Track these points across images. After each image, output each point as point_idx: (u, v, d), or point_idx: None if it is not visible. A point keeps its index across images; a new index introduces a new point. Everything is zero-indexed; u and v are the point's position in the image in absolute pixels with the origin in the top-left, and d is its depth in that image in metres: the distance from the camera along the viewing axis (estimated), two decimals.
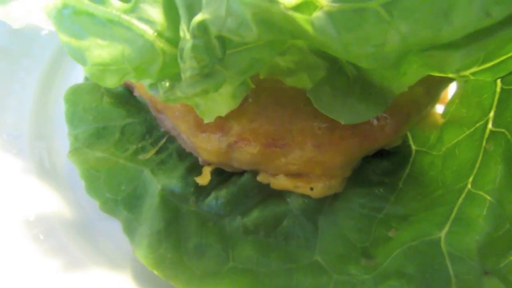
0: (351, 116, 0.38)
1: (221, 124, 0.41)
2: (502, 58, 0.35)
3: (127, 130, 0.49)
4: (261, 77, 0.39)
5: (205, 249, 0.41)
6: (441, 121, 0.47)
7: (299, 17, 0.29)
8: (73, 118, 0.49)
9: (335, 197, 0.44)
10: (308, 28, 0.29)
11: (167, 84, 0.37)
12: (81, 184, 0.45)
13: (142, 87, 0.46)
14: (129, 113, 0.50)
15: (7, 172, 0.45)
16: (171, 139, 0.49)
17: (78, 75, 0.56)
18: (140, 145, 0.48)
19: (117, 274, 0.40)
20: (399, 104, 0.41)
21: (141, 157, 0.47)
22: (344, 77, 0.39)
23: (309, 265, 0.41)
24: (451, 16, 0.28)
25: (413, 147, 0.48)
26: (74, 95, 0.51)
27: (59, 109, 0.52)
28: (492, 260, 0.34)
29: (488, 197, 0.36)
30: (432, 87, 0.42)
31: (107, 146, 0.48)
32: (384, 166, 0.47)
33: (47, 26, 0.53)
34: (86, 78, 0.55)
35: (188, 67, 0.35)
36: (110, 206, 0.44)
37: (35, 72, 0.54)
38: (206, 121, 0.39)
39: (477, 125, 0.41)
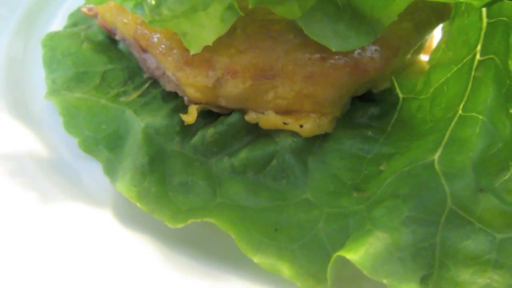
0: (341, 43, 0.37)
1: (208, 57, 0.40)
2: None
3: (108, 76, 0.47)
4: (250, 6, 0.38)
5: (191, 186, 0.39)
6: (427, 67, 0.47)
7: None
8: (51, 62, 0.47)
9: (324, 138, 0.43)
10: None
11: (153, 1, 0.35)
12: (57, 126, 0.43)
13: (125, 27, 0.44)
14: (110, 60, 0.48)
15: None
16: (154, 84, 0.47)
17: (55, 27, 0.54)
18: (122, 90, 0.46)
19: (97, 210, 0.38)
20: (389, 37, 0.41)
21: (123, 99, 0.45)
22: (334, 5, 0.38)
23: (300, 202, 0.39)
24: None
25: (400, 95, 0.47)
26: (52, 41, 0.49)
27: (35, 56, 0.49)
28: (486, 179, 0.34)
29: (480, 116, 0.35)
30: (420, 25, 0.43)
31: (87, 89, 0.45)
32: (372, 112, 0.46)
33: None
34: (67, 26, 0.53)
35: None
36: (89, 145, 0.41)
37: (10, 21, 0.52)
38: (193, 51, 0.38)
39: (465, 60, 0.41)
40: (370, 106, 0.46)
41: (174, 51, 0.41)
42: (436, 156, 0.36)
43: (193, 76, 0.41)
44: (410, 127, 0.44)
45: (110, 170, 0.41)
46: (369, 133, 0.44)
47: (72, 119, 0.42)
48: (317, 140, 0.43)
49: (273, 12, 0.40)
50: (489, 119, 0.35)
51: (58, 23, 0.55)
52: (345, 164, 0.42)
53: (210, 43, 0.38)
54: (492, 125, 0.34)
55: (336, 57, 0.39)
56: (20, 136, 0.42)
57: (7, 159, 0.39)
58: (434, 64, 0.46)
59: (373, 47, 0.40)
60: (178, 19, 0.36)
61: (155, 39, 0.41)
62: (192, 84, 0.41)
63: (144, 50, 0.43)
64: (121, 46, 0.51)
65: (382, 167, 0.40)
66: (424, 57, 0.50)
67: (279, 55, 0.39)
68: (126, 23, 0.44)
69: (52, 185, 0.38)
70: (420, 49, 0.48)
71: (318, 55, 0.39)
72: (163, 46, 0.41)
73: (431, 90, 0.44)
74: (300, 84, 0.39)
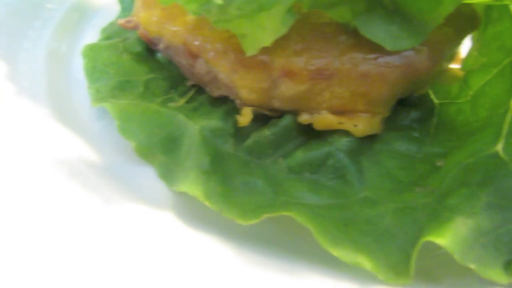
0: (395, 43, 0.39)
1: (264, 59, 0.41)
2: None
3: (151, 84, 0.47)
4: (304, 10, 0.40)
5: (253, 185, 0.38)
6: (460, 73, 0.49)
7: None
8: (93, 72, 0.47)
9: (373, 139, 0.44)
10: None
11: (220, 1, 0.36)
12: (105, 131, 0.42)
13: (174, 34, 0.45)
14: (151, 69, 0.48)
15: (25, 117, 0.41)
16: (199, 91, 0.47)
17: (90, 39, 0.54)
18: (167, 97, 0.46)
19: (159, 211, 0.36)
20: (435, 40, 0.42)
21: (172, 104, 0.44)
22: (384, 9, 0.40)
23: (361, 199, 0.39)
24: None
25: (436, 101, 0.49)
26: (92, 51, 0.48)
27: (74, 68, 0.49)
28: None
29: None
30: (459, 30, 0.45)
31: (132, 97, 0.45)
32: (412, 115, 0.47)
33: None
34: (101, 39, 0.52)
35: None
36: (144, 149, 0.40)
37: (45, 34, 0.52)
38: (249, 53, 0.39)
39: (505, 62, 0.43)
40: (410, 110, 0.48)
41: (229, 54, 0.41)
42: (499, 147, 0.36)
43: (248, 78, 0.41)
44: (453, 129, 0.45)
45: (166, 175, 0.39)
46: (415, 134, 0.45)
47: (127, 123, 0.41)
48: (367, 142, 0.44)
49: (325, 16, 0.42)
50: None
51: (89, 39, 0.55)
52: (397, 163, 0.42)
53: (268, 44, 0.38)
54: None
55: (390, 57, 0.40)
56: (70, 143, 0.41)
57: (61, 165, 0.37)
58: (470, 69, 0.48)
59: (422, 47, 0.41)
60: (242, 19, 0.37)
61: (208, 44, 0.42)
62: (247, 86, 0.41)
63: (195, 56, 0.44)
64: (160, 57, 0.51)
65: (439, 163, 0.40)
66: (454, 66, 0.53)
67: (335, 55, 0.40)
68: (174, 30, 0.44)
69: (110, 190, 0.37)
70: (451, 58, 0.50)
71: (372, 55, 0.40)
72: (217, 50, 0.41)
73: (470, 93, 0.46)
74: (355, 83, 0.40)
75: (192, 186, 0.36)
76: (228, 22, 0.37)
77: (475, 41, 0.50)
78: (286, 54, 0.40)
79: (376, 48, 0.40)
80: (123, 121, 0.41)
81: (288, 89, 0.41)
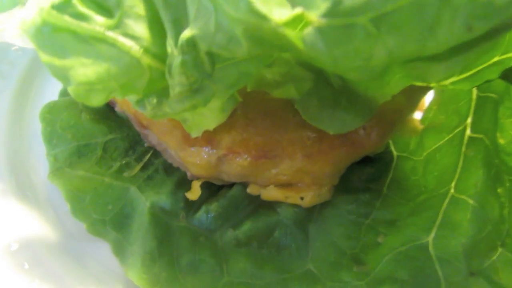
0: (339, 126, 0.39)
1: (210, 137, 0.41)
2: (478, 68, 0.37)
3: (109, 147, 0.48)
4: (248, 89, 0.39)
5: (198, 265, 0.41)
6: (420, 127, 0.49)
7: (290, 33, 0.29)
8: (51, 138, 0.48)
9: (323, 205, 0.45)
10: (299, 44, 0.30)
11: (155, 100, 0.36)
12: (64, 205, 0.44)
13: (125, 103, 0.45)
14: (110, 129, 0.49)
15: None
16: (156, 154, 0.48)
17: (52, 91, 0.54)
18: (124, 162, 0.47)
19: None
20: (383, 112, 0.42)
21: (126, 174, 0.46)
22: (330, 88, 0.39)
23: (303, 274, 0.41)
24: (436, 30, 0.28)
25: (395, 153, 0.49)
26: (51, 113, 0.49)
27: (35, 128, 0.50)
28: (476, 261, 0.36)
29: (471, 201, 0.37)
30: (413, 95, 0.44)
31: (89, 165, 0.46)
32: (368, 173, 0.48)
33: (19, 42, 0.52)
34: (62, 94, 0.53)
35: (177, 83, 0.34)
36: (97, 228, 0.43)
37: (5, 91, 0.52)
38: (193, 135, 0.39)
39: (456, 131, 0.43)
40: (365, 166, 0.48)
41: (175, 131, 0.42)
42: (430, 238, 0.37)
43: (195, 155, 0.42)
44: (405, 189, 0.46)
45: (119, 251, 0.42)
46: (366, 196, 0.46)
47: (78, 204, 0.43)
48: (316, 207, 0.45)
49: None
50: (479, 204, 0.37)
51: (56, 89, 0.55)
52: (344, 230, 0.44)
53: (211, 128, 0.39)
54: (482, 209, 0.36)
55: (334, 136, 0.40)
56: (28, 221, 0.43)
57: (16, 246, 0.40)
58: (427, 126, 0.48)
59: (369, 124, 0.41)
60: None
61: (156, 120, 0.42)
62: (194, 162, 0.42)
63: (145, 127, 0.44)
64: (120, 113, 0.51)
65: (379, 239, 0.42)
66: (417, 113, 0.52)
67: (279, 135, 0.40)
68: (126, 99, 0.45)
69: (62, 271, 0.40)
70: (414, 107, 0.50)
71: (316, 135, 0.40)
72: (164, 128, 0.42)
73: (424, 154, 0.46)
74: (299, 163, 0.41)
75: (138, 275, 0.39)
76: (165, 115, 0.37)
77: (436, 93, 0.49)
78: (231, 134, 0.41)
79: None
80: (75, 202, 0.43)
81: (234, 166, 0.42)
